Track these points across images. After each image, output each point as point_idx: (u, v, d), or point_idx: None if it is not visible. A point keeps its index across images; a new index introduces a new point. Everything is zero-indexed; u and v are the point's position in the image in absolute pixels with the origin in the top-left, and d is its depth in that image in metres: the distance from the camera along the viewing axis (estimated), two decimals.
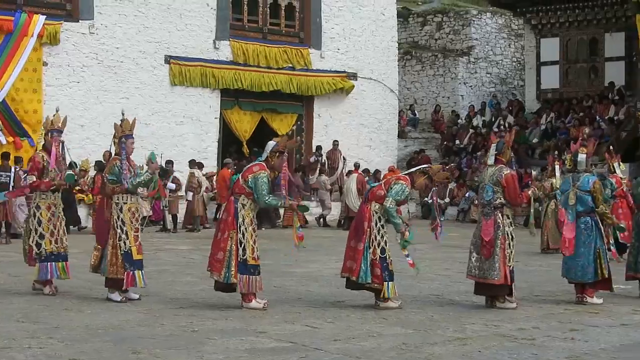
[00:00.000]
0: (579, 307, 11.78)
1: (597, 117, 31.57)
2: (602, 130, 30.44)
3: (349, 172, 27.12)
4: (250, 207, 11.11)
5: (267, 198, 11.05)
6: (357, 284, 11.22)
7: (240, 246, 10.96)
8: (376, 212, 11.26)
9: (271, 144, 11.37)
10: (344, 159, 29.60)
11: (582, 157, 12.38)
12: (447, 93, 38.07)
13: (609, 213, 12.61)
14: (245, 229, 11.00)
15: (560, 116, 33.12)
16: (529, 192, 11.84)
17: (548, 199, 20.20)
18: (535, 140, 32.30)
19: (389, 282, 11.21)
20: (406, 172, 11.93)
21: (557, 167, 19.81)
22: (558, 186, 19.48)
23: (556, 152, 22.65)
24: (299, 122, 29.90)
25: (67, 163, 13.35)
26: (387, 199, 11.21)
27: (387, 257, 11.23)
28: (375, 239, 11.17)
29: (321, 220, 27.27)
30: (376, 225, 11.23)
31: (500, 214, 11.53)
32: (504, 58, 39.29)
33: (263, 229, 24.60)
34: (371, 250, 11.15)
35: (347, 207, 24.97)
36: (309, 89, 29.33)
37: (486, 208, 11.59)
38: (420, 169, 11.92)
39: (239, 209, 11.05)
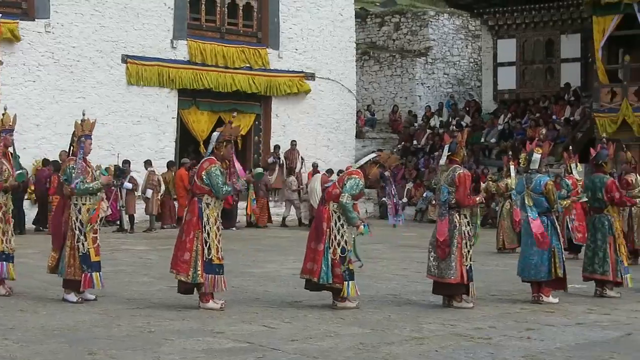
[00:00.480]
0: (535, 306, 11.87)
1: (554, 117, 31.83)
2: (557, 131, 30.70)
3: (314, 172, 27.34)
4: (214, 205, 11.13)
5: (223, 189, 11.07)
6: (317, 285, 11.22)
7: (206, 245, 10.96)
8: (335, 212, 11.28)
9: (215, 135, 11.38)
10: (302, 159, 29.61)
11: (536, 156, 12.46)
12: (405, 93, 38.19)
13: (564, 201, 12.64)
14: (210, 228, 11.01)
15: (517, 117, 33.35)
16: (477, 198, 11.86)
17: (503, 199, 20.35)
18: (492, 141, 32.50)
19: (349, 282, 11.24)
20: (357, 165, 11.91)
21: (512, 167, 19.97)
22: (514, 186, 19.69)
23: (510, 153, 22.75)
24: (257, 122, 29.87)
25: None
26: (343, 194, 11.22)
27: (347, 256, 11.25)
28: (335, 239, 11.19)
29: (300, 220, 27.46)
30: (335, 225, 11.24)
31: (457, 214, 11.59)
32: (461, 59, 39.49)
33: (234, 229, 24.69)
34: (331, 250, 11.16)
35: (312, 207, 25.11)
36: (266, 89, 29.32)
37: (442, 208, 11.67)
38: (370, 159, 11.90)
39: (203, 209, 11.05)
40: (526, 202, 12.24)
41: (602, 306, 11.95)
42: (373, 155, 12.00)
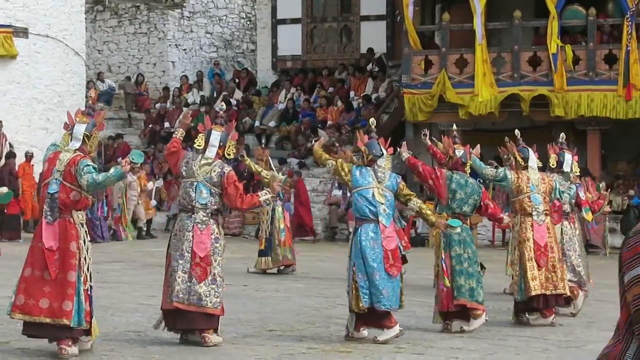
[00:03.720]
0: (327, 345, 11.99)
1: (351, 94, 32.37)
2: (357, 112, 31.22)
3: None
4: None
5: None
6: (69, 329, 10.84)
7: None
8: (82, 225, 11.01)
9: None
10: (10, 145, 29.08)
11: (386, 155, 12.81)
12: (153, 58, 38.08)
13: (426, 208, 12.85)
14: None
15: (303, 92, 33.73)
16: (261, 197, 11.94)
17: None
18: (271, 125, 32.74)
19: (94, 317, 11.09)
20: (74, 147, 11.44)
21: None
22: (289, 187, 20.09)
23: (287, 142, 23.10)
24: None
25: None
26: (87, 190, 10.95)
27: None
28: (85, 262, 10.97)
29: None
30: (85, 243, 11.02)
31: (216, 223, 11.72)
32: (230, 13, 39.71)
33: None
34: (82, 278, 10.91)
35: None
36: None
37: (200, 213, 11.70)
38: (85, 132, 11.47)
39: None
40: (376, 197, 12.29)
41: (414, 344, 12.21)
42: (82, 127, 11.56)
